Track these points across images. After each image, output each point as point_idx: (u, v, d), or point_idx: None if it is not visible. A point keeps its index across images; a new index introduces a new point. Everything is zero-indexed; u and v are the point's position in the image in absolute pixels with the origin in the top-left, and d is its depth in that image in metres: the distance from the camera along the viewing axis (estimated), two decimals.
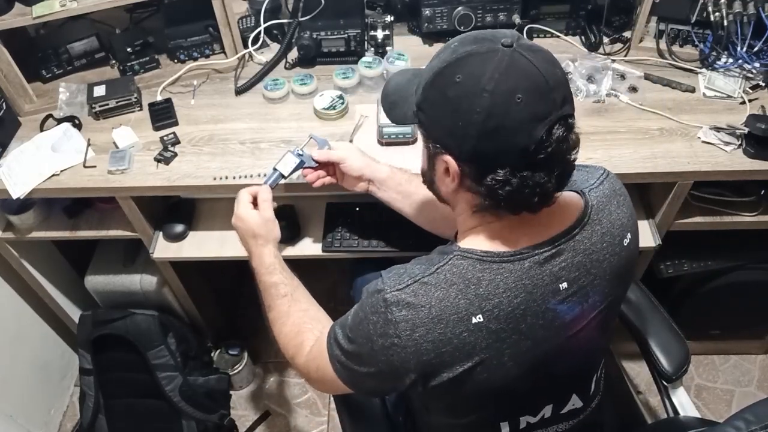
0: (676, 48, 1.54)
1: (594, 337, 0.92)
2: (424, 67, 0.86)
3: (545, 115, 0.76)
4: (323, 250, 1.43)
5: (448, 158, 0.81)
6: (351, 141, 1.41)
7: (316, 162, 1.22)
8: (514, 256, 0.82)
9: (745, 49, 1.42)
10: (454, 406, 0.93)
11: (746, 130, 1.31)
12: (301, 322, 1.05)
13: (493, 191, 0.79)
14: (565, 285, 0.84)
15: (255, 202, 1.18)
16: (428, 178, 0.92)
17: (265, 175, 1.29)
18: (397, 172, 1.22)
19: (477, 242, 0.85)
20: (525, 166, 0.77)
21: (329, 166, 1.24)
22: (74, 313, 1.81)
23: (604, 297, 0.89)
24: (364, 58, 1.55)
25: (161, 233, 1.51)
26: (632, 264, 0.94)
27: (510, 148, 0.76)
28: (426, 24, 1.60)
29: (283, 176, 1.21)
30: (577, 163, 0.94)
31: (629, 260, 0.91)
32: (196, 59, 1.62)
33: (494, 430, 0.97)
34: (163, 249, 1.50)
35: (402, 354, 0.82)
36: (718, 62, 1.48)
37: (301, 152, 1.22)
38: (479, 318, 0.81)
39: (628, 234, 0.90)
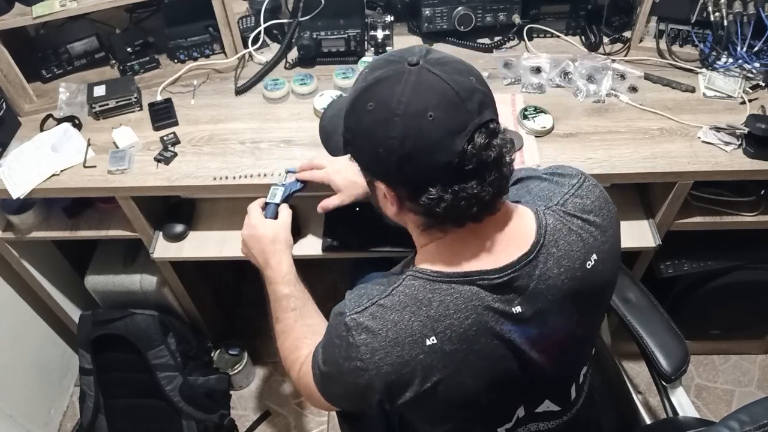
0: (676, 48, 1.54)
1: (562, 353, 0.90)
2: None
3: (462, 128, 0.74)
4: (323, 250, 1.43)
5: (380, 184, 0.82)
6: None
7: (303, 182, 1.27)
8: (464, 278, 0.81)
9: (745, 49, 1.42)
10: (427, 418, 0.94)
11: (746, 130, 1.31)
12: (302, 337, 1.05)
13: (430, 209, 0.78)
14: (519, 309, 0.82)
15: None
16: (375, 204, 0.92)
17: (281, 181, 1.32)
18: None
19: (429, 261, 0.85)
20: (454, 180, 0.76)
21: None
22: (74, 313, 1.81)
23: (568, 320, 0.87)
24: (364, 58, 1.55)
25: (161, 233, 1.51)
26: (604, 284, 0.90)
27: (433, 166, 0.75)
28: (426, 24, 1.60)
29: (277, 204, 1.25)
30: (564, 164, 0.94)
31: (595, 284, 0.88)
32: (196, 59, 1.62)
33: None
34: (163, 249, 1.50)
35: (365, 376, 0.83)
36: (718, 62, 1.48)
37: (284, 182, 1.28)
38: (433, 340, 0.81)
39: (593, 256, 0.86)
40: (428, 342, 0.81)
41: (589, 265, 0.86)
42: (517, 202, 0.89)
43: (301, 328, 1.06)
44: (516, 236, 0.84)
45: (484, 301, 0.81)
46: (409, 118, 0.74)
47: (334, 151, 0.91)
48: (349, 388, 0.88)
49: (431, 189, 0.77)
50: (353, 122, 0.81)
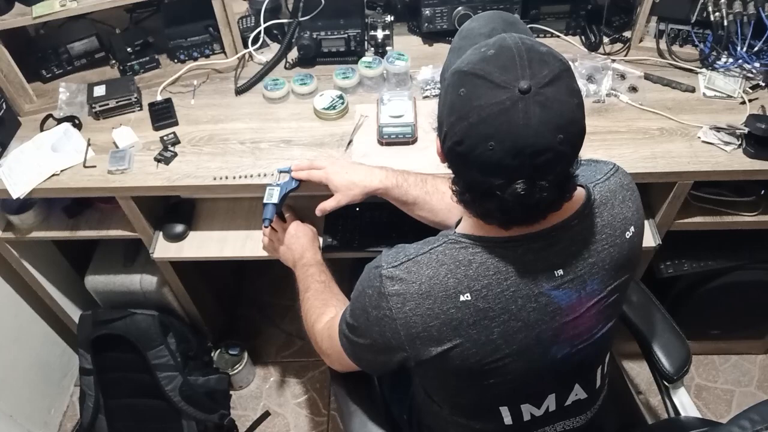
0: (676, 48, 1.54)
1: (595, 327, 0.92)
2: (501, 20, 0.92)
3: (510, 173, 0.75)
4: (323, 250, 1.43)
5: (437, 139, 0.85)
6: (351, 141, 1.41)
7: (298, 180, 1.30)
8: (508, 243, 0.84)
9: (745, 49, 1.42)
10: (449, 385, 0.95)
11: (746, 130, 1.31)
12: (330, 298, 1.16)
13: (455, 193, 0.85)
14: (560, 272, 0.85)
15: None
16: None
17: (275, 181, 1.32)
18: (390, 178, 1.21)
19: (472, 227, 0.88)
20: (479, 194, 0.80)
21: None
22: (74, 313, 1.81)
23: (604, 286, 0.90)
24: (364, 58, 1.55)
25: (161, 233, 1.51)
26: (635, 256, 0.94)
27: (468, 175, 0.80)
28: (426, 24, 1.60)
29: (275, 205, 1.28)
30: (587, 157, 0.97)
31: (632, 252, 0.92)
32: (196, 59, 1.62)
33: (495, 415, 0.97)
34: (163, 249, 1.50)
35: (392, 326, 0.87)
36: (718, 62, 1.48)
37: (278, 182, 1.30)
38: (467, 296, 0.84)
39: (632, 227, 0.91)
40: (462, 298, 0.84)
41: (627, 235, 0.91)
42: None
43: (329, 293, 1.18)
44: (565, 207, 0.86)
45: (526, 265, 0.84)
46: (473, 132, 0.75)
47: (444, 67, 0.94)
48: (374, 339, 0.91)
49: (461, 181, 0.83)
50: (447, 84, 0.81)
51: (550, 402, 0.97)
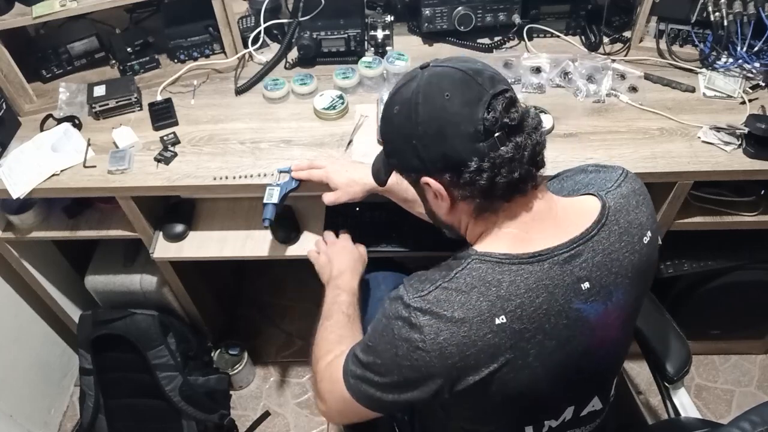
0: (676, 48, 1.54)
1: (618, 337, 0.92)
2: None
3: (478, 98, 0.80)
4: None
5: (426, 179, 0.86)
6: (351, 141, 1.41)
7: (298, 180, 1.29)
8: (533, 258, 0.83)
9: (745, 49, 1.42)
10: (479, 411, 0.93)
11: (746, 130, 1.31)
12: (347, 336, 1.07)
13: (475, 184, 0.82)
14: (587, 285, 0.85)
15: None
16: (428, 211, 0.96)
17: (275, 181, 1.32)
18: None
19: (493, 245, 0.86)
20: (487, 148, 0.80)
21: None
22: (74, 313, 1.81)
23: (628, 295, 0.89)
24: (364, 58, 1.55)
25: (161, 233, 1.51)
26: (654, 261, 0.94)
27: (463, 138, 0.81)
28: (426, 24, 1.60)
29: (275, 205, 1.27)
30: (593, 162, 0.99)
31: (650, 257, 0.92)
32: (196, 59, 1.62)
33: None
34: (163, 249, 1.50)
35: (426, 358, 0.82)
36: (718, 62, 1.48)
37: (278, 182, 1.29)
38: (502, 319, 0.81)
39: (648, 232, 0.91)
40: (497, 321, 0.81)
41: (645, 240, 0.91)
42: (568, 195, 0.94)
43: (348, 330, 1.09)
44: (578, 216, 0.88)
45: (554, 280, 0.83)
46: (428, 103, 0.82)
47: (381, 179, 0.99)
48: (403, 374, 0.85)
49: (469, 163, 0.81)
50: (388, 130, 0.90)
51: (568, 413, 0.97)
